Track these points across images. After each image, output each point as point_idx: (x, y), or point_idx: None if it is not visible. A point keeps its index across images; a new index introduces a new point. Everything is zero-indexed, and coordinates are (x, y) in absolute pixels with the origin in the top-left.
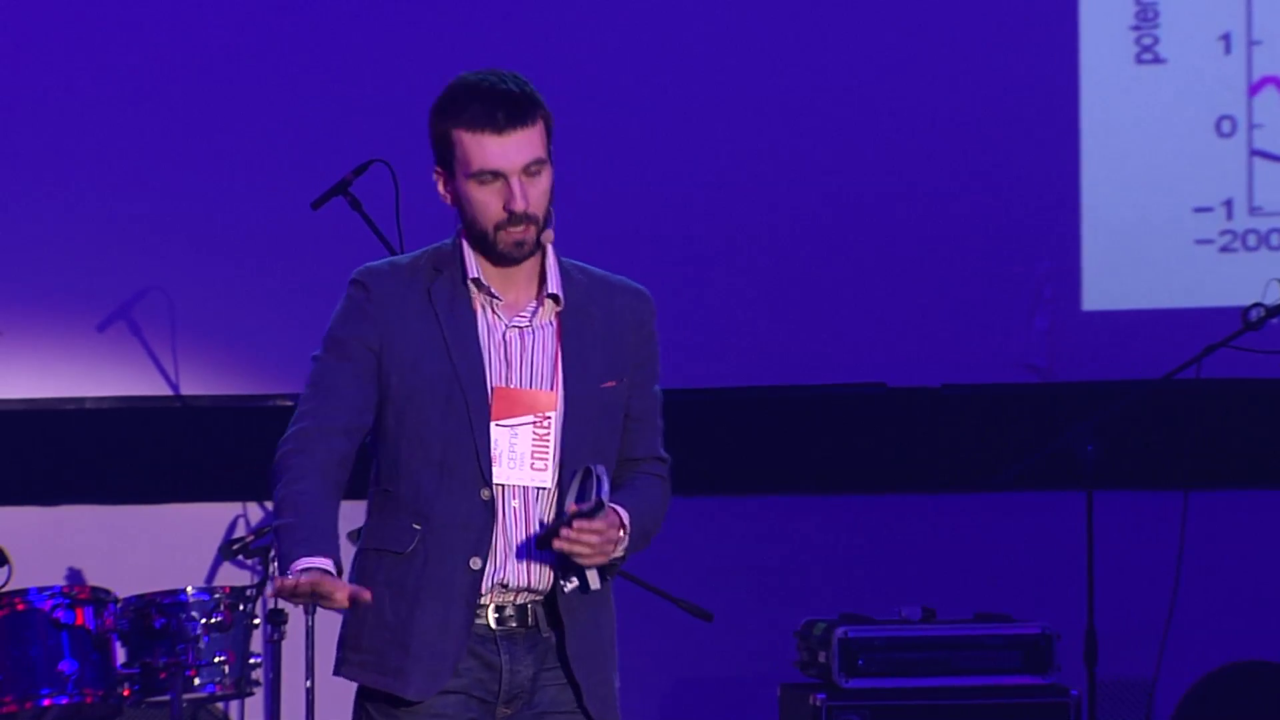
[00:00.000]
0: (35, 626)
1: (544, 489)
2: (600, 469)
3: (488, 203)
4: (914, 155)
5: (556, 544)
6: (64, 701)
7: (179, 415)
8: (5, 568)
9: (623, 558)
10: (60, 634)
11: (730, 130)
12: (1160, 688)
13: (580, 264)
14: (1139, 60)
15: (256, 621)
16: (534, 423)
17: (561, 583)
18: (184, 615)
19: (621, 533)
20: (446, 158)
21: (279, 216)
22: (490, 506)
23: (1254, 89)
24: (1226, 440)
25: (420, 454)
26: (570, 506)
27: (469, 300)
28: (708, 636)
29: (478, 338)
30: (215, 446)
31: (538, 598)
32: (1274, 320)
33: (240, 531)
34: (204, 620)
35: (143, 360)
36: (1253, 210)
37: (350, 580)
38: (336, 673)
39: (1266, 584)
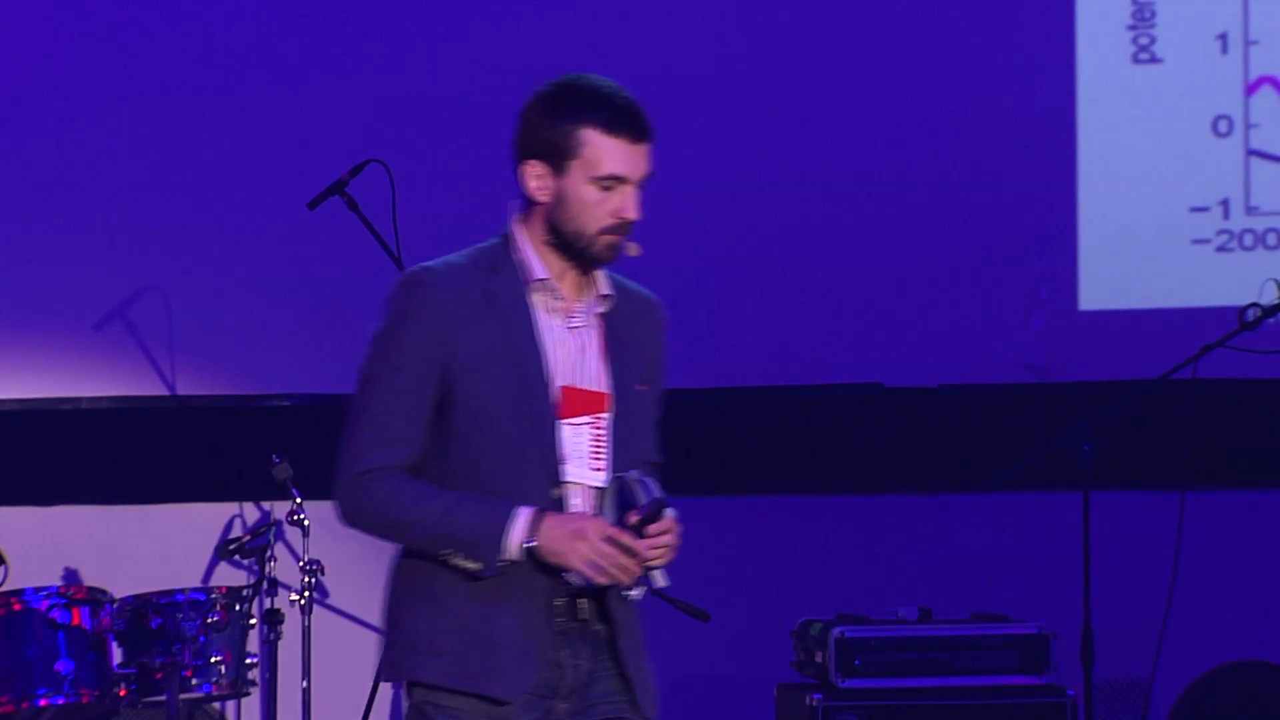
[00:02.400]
0: (31, 626)
1: (601, 488)
2: (634, 474)
3: (601, 204)
4: (911, 155)
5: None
6: (60, 702)
7: (175, 415)
8: (2, 568)
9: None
10: (56, 634)
11: (726, 131)
12: (1157, 688)
13: (604, 270)
14: (1136, 60)
15: (253, 621)
16: (591, 423)
17: (624, 593)
18: (180, 615)
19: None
20: (561, 152)
21: (275, 216)
22: (560, 505)
23: (1251, 89)
24: (1223, 440)
25: (492, 454)
26: (631, 518)
27: (529, 301)
28: (704, 636)
29: (539, 339)
30: (212, 446)
31: (583, 593)
32: (1270, 320)
33: (236, 531)
34: (200, 620)
35: (139, 360)
36: (1249, 210)
37: (405, 584)
38: (403, 677)
39: (1263, 584)
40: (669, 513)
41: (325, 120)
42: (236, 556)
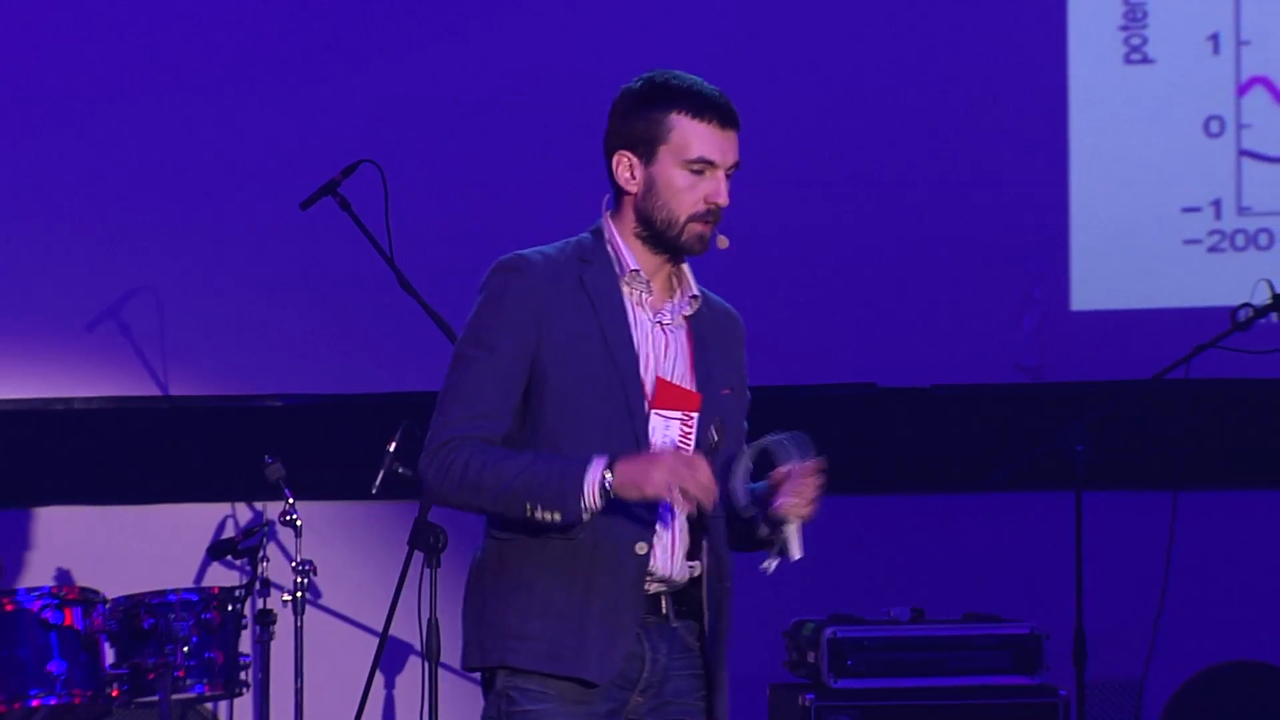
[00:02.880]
0: (24, 627)
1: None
2: (772, 439)
3: (690, 190)
4: (904, 156)
5: (780, 504)
6: (53, 702)
7: (168, 416)
8: None
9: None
10: (49, 634)
11: None
12: (1149, 688)
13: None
14: (1128, 60)
15: (245, 622)
16: (682, 419)
17: (762, 567)
18: (173, 616)
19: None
20: (651, 139)
21: (268, 217)
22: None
23: (1242, 89)
24: (1216, 440)
25: (578, 438)
26: (784, 471)
27: (621, 292)
28: None
29: (630, 328)
30: (204, 447)
31: (666, 588)
32: (1262, 320)
33: (229, 532)
34: (193, 621)
35: (131, 360)
36: (1241, 210)
37: (490, 574)
38: (493, 662)
39: (1255, 584)
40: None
41: (318, 120)
42: (229, 557)
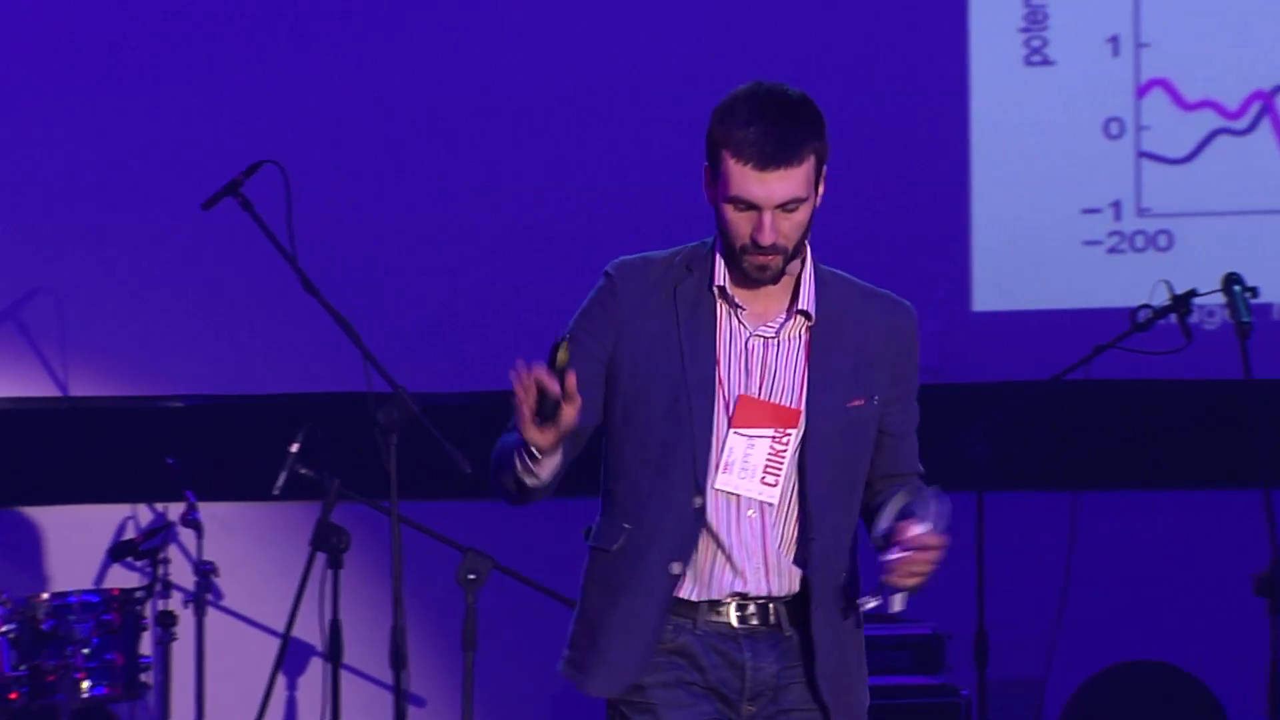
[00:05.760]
0: None
1: (770, 504)
2: (933, 490)
3: (737, 224)
4: None
5: (893, 567)
6: None
7: (68, 416)
8: None
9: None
10: None
11: (654, 130)
12: (1050, 687)
13: (843, 274)
14: (1028, 62)
15: (146, 623)
16: (774, 437)
17: (860, 601)
18: (73, 617)
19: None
20: (712, 165)
21: (169, 217)
22: (701, 513)
23: (1142, 91)
24: (1116, 441)
25: (639, 454)
26: (912, 528)
27: (713, 305)
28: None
29: (715, 343)
30: (104, 448)
31: (777, 599)
32: (1162, 321)
33: (129, 533)
34: (93, 622)
35: (31, 361)
36: (1140, 212)
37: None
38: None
39: (1155, 584)
40: (926, 531)
41: (219, 120)
42: (130, 558)
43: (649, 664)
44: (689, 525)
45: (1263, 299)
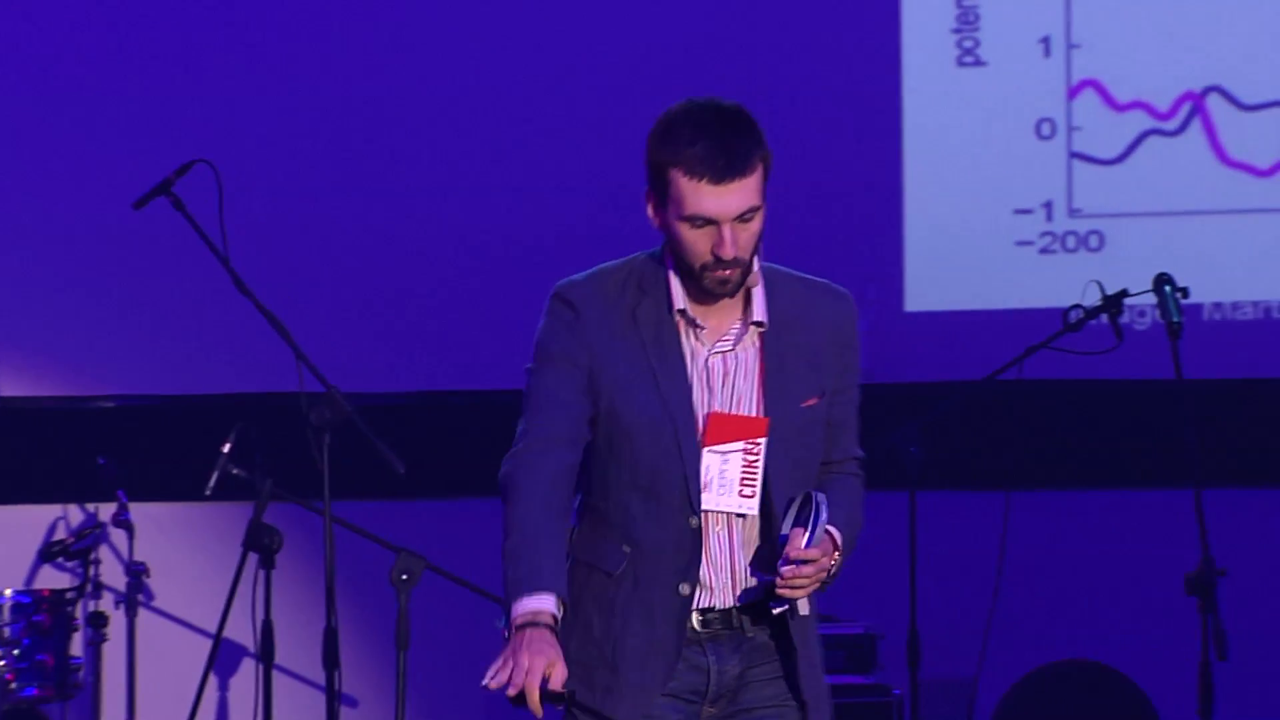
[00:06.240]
0: None
1: (748, 515)
2: (820, 497)
3: (696, 242)
4: None
5: (779, 589)
6: None
7: None
8: None
9: (836, 574)
10: None
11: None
12: (982, 687)
13: (783, 270)
14: (960, 63)
15: (77, 624)
16: (745, 449)
17: (772, 606)
18: (3, 618)
19: (836, 555)
20: (659, 188)
21: (101, 216)
22: (698, 534)
23: (1073, 92)
24: (1048, 441)
25: (628, 478)
26: (795, 540)
27: (674, 326)
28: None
29: (684, 365)
30: (35, 448)
31: (739, 603)
32: (1094, 321)
33: (60, 534)
34: (24, 623)
35: None
36: (1072, 212)
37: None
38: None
39: (1087, 584)
40: (811, 545)
41: (151, 119)
42: (61, 559)
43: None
44: (690, 546)
45: (1193, 299)
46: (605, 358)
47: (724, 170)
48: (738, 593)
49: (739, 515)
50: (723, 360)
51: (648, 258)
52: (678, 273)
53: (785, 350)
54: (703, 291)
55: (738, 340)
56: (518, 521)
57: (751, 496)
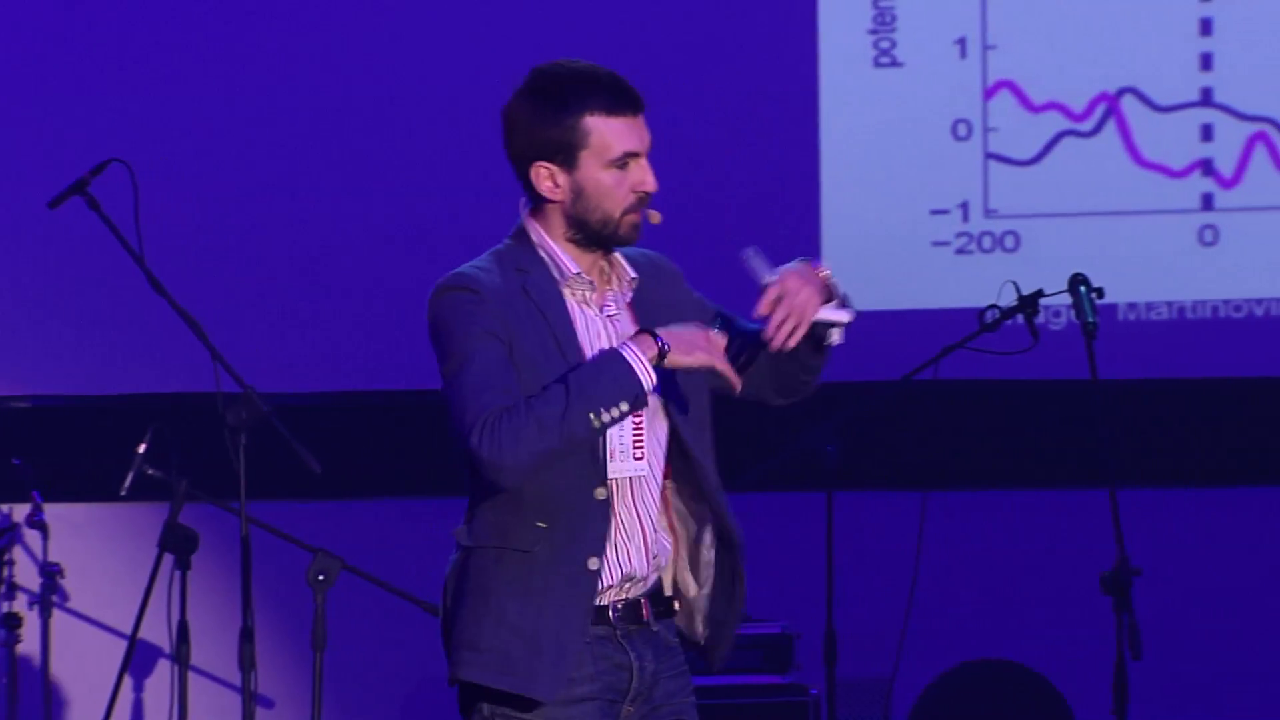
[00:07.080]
0: None
1: (644, 476)
2: (747, 251)
3: (618, 187)
4: (652, 157)
5: (773, 346)
6: None
7: None
8: None
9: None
10: None
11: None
12: (898, 686)
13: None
14: (877, 64)
15: None
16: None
17: (827, 344)
18: None
19: (820, 269)
20: (569, 146)
21: (14, 215)
22: (606, 503)
23: (989, 93)
24: (964, 441)
25: None
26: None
27: (562, 298)
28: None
29: (581, 332)
30: None
31: (644, 590)
32: (1009, 322)
33: None
34: None
35: None
36: (988, 213)
37: (459, 580)
38: (455, 675)
39: (1003, 584)
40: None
41: (65, 118)
42: None
43: (591, 667)
44: (599, 517)
45: (1108, 300)
46: (515, 333)
47: (636, 101)
48: (645, 561)
49: (638, 478)
50: (610, 324)
51: (510, 243)
52: (570, 239)
53: (650, 308)
54: (619, 242)
55: (619, 303)
56: (546, 395)
57: (641, 459)
